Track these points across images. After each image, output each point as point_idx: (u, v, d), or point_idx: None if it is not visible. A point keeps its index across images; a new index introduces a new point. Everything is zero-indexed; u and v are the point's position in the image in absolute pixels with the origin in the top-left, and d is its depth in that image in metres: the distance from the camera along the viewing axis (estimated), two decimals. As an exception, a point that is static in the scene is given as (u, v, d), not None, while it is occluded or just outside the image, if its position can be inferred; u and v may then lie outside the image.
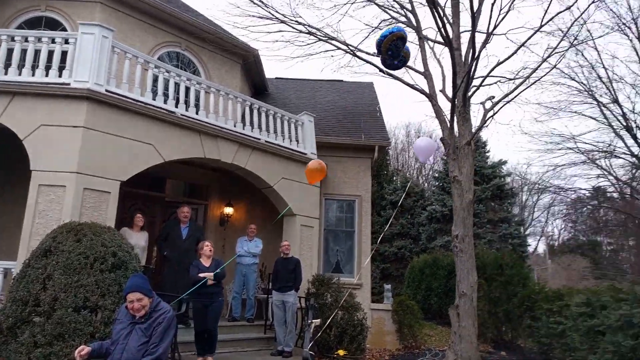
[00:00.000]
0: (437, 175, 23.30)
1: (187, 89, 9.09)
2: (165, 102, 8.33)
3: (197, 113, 8.77)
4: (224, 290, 8.47)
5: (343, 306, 9.06)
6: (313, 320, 7.95)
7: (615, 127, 16.51)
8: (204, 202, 11.24)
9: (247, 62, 12.85)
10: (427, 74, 10.69)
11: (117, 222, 7.35)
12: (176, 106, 8.47)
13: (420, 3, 11.17)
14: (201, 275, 6.77)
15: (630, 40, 15.76)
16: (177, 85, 8.94)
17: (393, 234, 20.37)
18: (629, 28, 15.51)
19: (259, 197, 10.65)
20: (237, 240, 9.79)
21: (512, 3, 10.15)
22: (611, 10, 15.17)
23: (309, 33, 10.33)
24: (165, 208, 10.63)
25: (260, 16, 10.22)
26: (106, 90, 7.30)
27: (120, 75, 8.02)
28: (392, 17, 11.57)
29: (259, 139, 9.71)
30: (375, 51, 8.14)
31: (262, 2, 10.04)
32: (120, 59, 8.14)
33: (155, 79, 8.58)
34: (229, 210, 11.24)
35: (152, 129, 7.78)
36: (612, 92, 16.19)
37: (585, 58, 16.19)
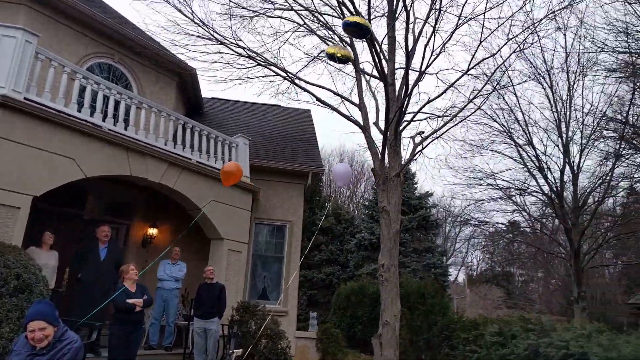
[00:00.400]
0: (367, 203, 23.88)
1: (117, 103, 8.72)
2: (91, 115, 7.92)
3: (125, 129, 8.41)
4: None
5: (267, 334, 8.89)
6: (234, 350, 7.71)
7: (529, 167, 17.88)
8: (126, 222, 10.68)
9: (184, 80, 12.60)
10: (362, 106, 11.05)
11: (28, 241, 6.78)
12: (104, 120, 8.08)
13: (357, 40, 11.61)
14: (130, 302, 6.34)
15: (544, 89, 17.32)
16: (106, 98, 8.54)
17: (322, 260, 20.48)
18: (544, 78, 17.08)
19: (186, 219, 10.30)
20: (159, 263, 9.36)
21: (443, 46, 10.85)
22: (529, 60, 16.60)
23: (249, 57, 10.36)
24: (84, 226, 9.96)
25: (200, 36, 10.11)
26: (25, 98, 6.82)
27: (43, 84, 7.52)
28: (331, 49, 11.89)
29: (190, 159, 9.47)
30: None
31: (202, 22, 9.96)
32: (44, 66, 7.65)
33: (82, 90, 8.15)
34: (153, 231, 10.75)
35: (75, 142, 7.34)
36: (528, 135, 17.61)
37: (506, 102, 17.47)
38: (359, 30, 5.73)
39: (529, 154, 17.68)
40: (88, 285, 7.79)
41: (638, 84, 13.43)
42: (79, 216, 9.95)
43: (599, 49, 11.97)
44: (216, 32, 10.04)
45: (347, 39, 11.65)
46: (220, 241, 9.87)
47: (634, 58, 11.27)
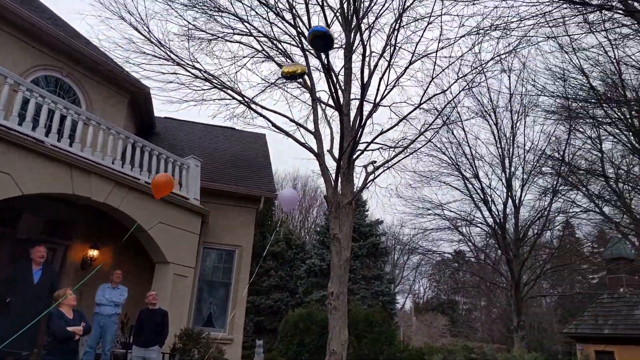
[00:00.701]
0: (318, 229, 23.93)
1: (63, 118, 8.36)
2: (33, 129, 7.54)
3: (70, 145, 8.06)
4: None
5: (210, 364, 8.59)
6: (176, 381, 7.38)
7: (475, 199, 18.62)
8: (64, 242, 10.10)
9: (136, 99, 12.28)
10: (317, 134, 11.20)
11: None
12: (47, 135, 7.71)
13: (316, 67, 11.86)
14: (70, 329, 5.93)
15: (490, 126, 18.27)
16: (51, 112, 8.17)
17: (271, 286, 20.19)
18: (490, 115, 18.03)
19: (130, 241, 9.89)
20: (99, 287, 8.89)
21: (397, 80, 11.26)
22: (477, 98, 17.51)
23: (205, 79, 10.30)
24: (16, 246, 9.31)
25: (156, 55, 9.98)
26: (-40, 109, 6.42)
27: (-19, 94, 7.12)
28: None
29: (139, 179, 9.18)
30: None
31: (159, 42, 9.84)
32: (-16, 76, 7.26)
33: (25, 103, 7.77)
34: (93, 252, 10.23)
35: (13, 157, 6.95)
36: (474, 168, 18.42)
37: (455, 136, 18.26)
38: (325, 40, 5.67)
39: (475, 186, 18.46)
40: (18, 310, 7.25)
41: (574, 126, 14.41)
42: (11, 235, 9.31)
43: (539, 92, 12.79)
44: (173, 53, 9.95)
45: (303, 62, 11.82)
46: (166, 265, 9.53)
47: (570, 102, 12.11)
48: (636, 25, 8.37)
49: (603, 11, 8.08)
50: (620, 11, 7.67)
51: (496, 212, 18.01)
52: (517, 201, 17.97)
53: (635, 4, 6.99)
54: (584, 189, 15.88)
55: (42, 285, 7.52)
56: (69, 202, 9.08)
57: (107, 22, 10.38)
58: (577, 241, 25.01)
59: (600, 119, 12.22)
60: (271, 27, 11.11)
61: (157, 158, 10.00)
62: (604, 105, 11.54)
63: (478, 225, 19.38)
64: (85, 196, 8.05)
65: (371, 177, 11.44)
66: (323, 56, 10.51)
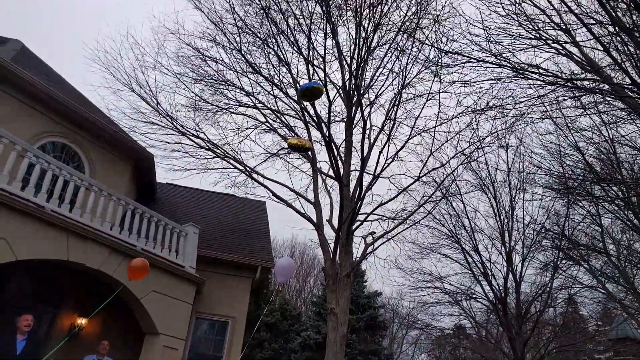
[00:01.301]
0: (315, 300, 23.32)
1: (66, 183, 8.44)
2: (35, 194, 7.58)
3: (70, 210, 8.07)
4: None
5: None
6: None
7: (475, 272, 18.30)
8: (52, 309, 9.78)
9: (139, 165, 12.45)
10: (317, 204, 11.24)
11: None
12: (48, 200, 7.74)
13: (317, 140, 12.14)
14: None
15: (489, 199, 18.36)
16: (55, 177, 8.27)
17: (263, 359, 19.33)
18: (488, 189, 18.18)
19: (121, 309, 9.61)
20: (84, 358, 8.51)
21: (397, 154, 11.49)
22: (475, 172, 17.74)
23: (209, 149, 10.53)
24: (3, 311, 9.02)
25: (162, 125, 10.26)
26: (-35, 173, 6.49)
27: (-12, 159, 7.23)
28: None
29: (136, 246, 9.08)
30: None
31: (167, 114, 10.17)
32: (-6, 141, 7.42)
33: (30, 167, 7.88)
34: (81, 320, 9.88)
35: (11, 222, 6.93)
36: (474, 241, 18.26)
37: (454, 208, 18.29)
38: (316, 95, 5.75)
39: (474, 259, 18.20)
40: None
41: (572, 202, 14.49)
42: None
43: (536, 168, 13.00)
44: (179, 124, 10.23)
45: (306, 138, 12.13)
46: (156, 336, 9.18)
47: (566, 179, 12.27)
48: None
49: (594, 95, 8.42)
50: (611, 96, 7.99)
51: (497, 287, 17.62)
52: (518, 276, 17.63)
53: (627, 90, 7.29)
54: (585, 264, 15.66)
55: (26, 356, 7.19)
56: (60, 266, 8.91)
57: (118, 94, 10.79)
58: (581, 319, 24.26)
59: (598, 197, 12.31)
60: (275, 101, 11.53)
61: (155, 225, 9.96)
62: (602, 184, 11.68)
63: (479, 299, 18.91)
64: (79, 262, 7.93)
65: (370, 248, 11.33)
66: (325, 129, 10.83)
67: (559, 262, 16.52)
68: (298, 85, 11.02)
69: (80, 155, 10.85)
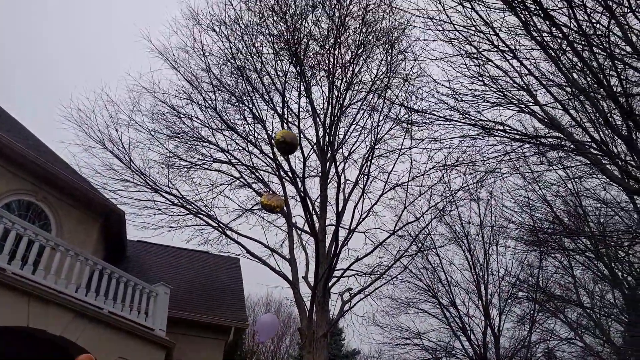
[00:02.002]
0: (292, 360, 22.41)
1: (30, 243, 8.09)
2: (-4, 256, 7.23)
3: (33, 272, 7.69)
4: None
5: None
6: None
7: (453, 327, 18.04)
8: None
9: (109, 222, 12.11)
10: (292, 261, 11.06)
11: None
12: (9, 262, 7.37)
13: (292, 195, 12.14)
14: None
15: (463, 252, 18.46)
16: (19, 237, 7.93)
17: None
18: (462, 242, 18.32)
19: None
20: None
21: (371, 208, 11.57)
22: (449, 225, 17.92)
23: (181, 206, 10.38)
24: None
25: (134, 182, 10.12)
26: None
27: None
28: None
29: (102, 309, 8.64)
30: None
31: (140, 170, 10.07)
32: (-46, 201, 7.14)
33: (-8, 228, 7.55)
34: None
35: (-32, 286, 6.54)
36: (451, 295, 18.14)
37: (429, 262, 18.27)
38: (290, 148, 5.74)
39: (452, 314, 18.01)
40: None
41: (544, 254, 14.71)
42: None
43: (507, 221, 13.26)
44: (151, 181, 10.12)
45: (281, 193, 12.15)
46: (119, 408, 8.55)
47: (536, 232, 12.52)
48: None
49: (558, 151, 8.80)
50: (574, 152, 8.36)
51: (476, 342, 17.35)
52: (496, 330, 17.45)
53: (587, 147, 7.65)
54: (561, 316, 15.69)
55: None
56: (24, 335, 8.36)
57: (90, 151, 10.68)
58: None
59: (568, 249, 12.55)
60: (250, 157, 11.61)
61: (124, 285, 9.56)
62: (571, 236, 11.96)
63: (458, 356, 18.53)
64: (40, 329, 7.46)
65: (347, 305, 11.12)
66: (299, 184, 10.88)
67: (535, 315, 16.50)
68: (273, 138, 11.16)
69: (47, 213, 10.50)
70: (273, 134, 11.66)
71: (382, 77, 10.87)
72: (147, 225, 11.39)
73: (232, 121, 11.43)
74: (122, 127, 10.94)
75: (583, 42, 6.39)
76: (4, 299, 6.99)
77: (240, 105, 11.58)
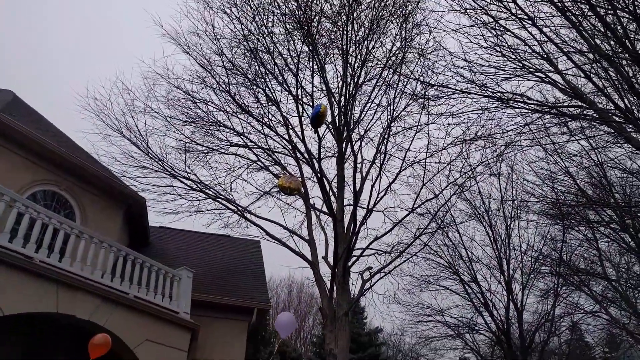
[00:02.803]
0: (314, 340, 22.76)
1: (56, 232, 8.28)
2: (24, 245, 7.41)
3: (59, 260, 7.88)
4: None
5: None
6: None
7: (476, 303, 18.00)
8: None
9: (131, 209, 12.31)
10: (311, 242, 11.09)
11: None
12: (37, 251, 7.56)
13: (309, 177, 12.12)
14: None
15: (484, 227, 18.26)
16: (44, 226, 8.11)
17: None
18: (483, 217, 18.11)
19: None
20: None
21: (389, 187, 11.47)
22: (469, 201, 17.71)
23: (200, 190, 10.46)
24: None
25: (153, 168, 10.23)
26: (-49, 227, 6.35)
27: (-26, 211, 7.11)
28: (283, 185, 12.27)
29: (127, 294, 8.84)
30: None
31: (157, 156, 10.15)
32: (-19, 193, 7.31)
33: (19, 217, 7.74)
34: (74, 375, 9.48)
35: (-1, 275, 6.74)
36: (472, 271, 18.04)
37: (450, 238, 18.15)
38: (324, 117, 5.64)
39: (474, 290, 17.94)
40: None
41: (568, 226, 14.44)
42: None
43: (529, 195, 13.02)
44: (170, 166, 10.21)
45: (298, 175, 12.14)
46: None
47: (559, 205, 12.26)
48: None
49: (580, 120, 8.53)
50: (597, 121, 8.11)
51: (498, 318, 17.29)
52: (519, 305, 17.34)
53: (611, 115, 7.40)
54: (586, 289, 15.46)
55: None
56: (52, 321, 8.61)
57: (109, 139, 10.79)
58: (587, 346, 23.76)
59: (593, 221, 12.29)
60: (266, 139, 11.59)
61: (148, 270, 9.75)
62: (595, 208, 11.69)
63: (481, 332, 18.51)
64: (69, 314, 7.67)
65: (368, 284, 11.14)
66: (316, 165, 10.85)
67: (559, 289, 16.33)
68: (288, 120, 11.10)
69: (71, 202, 10.71)
70: (288, 115, 11.61)
71: (396, 52, 10.66)
72: (167, 211, 11.56)
73: (246, 104, 11.42)
74: (138, 114, 11.04)
75: (607, 6, 6.13)
76: (34, 286, 7.20)
77: (254, 87, 11.53)
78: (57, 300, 7.48)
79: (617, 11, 6.04)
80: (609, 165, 11.36)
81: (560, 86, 8.04)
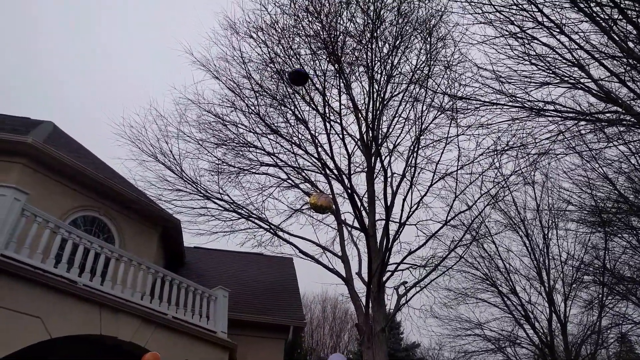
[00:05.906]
0: (350, 357, 22.49)
1: (97, 256, 8.58)
2: (68, 270, 7.71)
3: (102, 283, 8.15)
4: None
5: None
6: None
7: (516, 316, 17.47)
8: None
9: (167, 231, 12.63)
10: (344, 258, 11.08)
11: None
12: (80, 275, 7.85)
13: (339, 192, 12.16)
14: None
15: (521, 237, 17.79)
16: (86, 251, 8.43)
17: None
18: (519, 227, 17.65)
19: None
20: None
21: (421, 200, 11.36)
22: (504, 211, 17.33)
23: (233, 211, 10.64)
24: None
25: (187, 191, 10.49)
26: (2, 255, 6.68)
27: (23, 239, 7.46)
28: (314, 202, 12.35)
29: (166, 315, 9.03)
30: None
31: (191, 179, 10.43)
32: (28, 222, 7.67)
33: (62, 243, 8.07)
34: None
35: (45, 299, 7.02)
36: (511, 283, 17.55)
37: (485, 250, 17.76)
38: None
39: (513, 302, 17.43)
40: None
41: (610, 233, 13.90)
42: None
43: (566, 203, 12.65)
44: (202, 188, 10.46)
45: (329, 192, 12.19)
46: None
47: (599, 212, 11.87)
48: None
49: (617, 125, 8.28)
50: (636, 125, 7.85)
51: (541, 330, 16.71)
52: (562, 317, 16.71)
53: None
54: (634, 298, 14.78)
55: None
56: (94, 343, 8.88)
57: (144, 165, 11.14)
58: (638, 358, 22.58)
59: (637, 228, 11.81)
60: (295, 158, 11.73)
61: (185, 291, 9.94)
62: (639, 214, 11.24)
63: (523, 345, 17.90)
64: (111, 335, 7.90)
65: (403, 299, 11.01)
66: (346, 181, 10.88)
67: (604, 299, 15.67)
68: (316, 138, 11.20)
69: (110, 226, 11.08)
70: (316, 133, 11.72)
71: (422, 66, 10.66)
72: (202, 232, 11.80)
73: (275, 125, 11.62)
74: (171, 139, 11.40)
75: (637, 9, 6.00)
76: (78, 309, 7.45)
77: (282, 108, 11.72)
78: (100, 322, 7.72)
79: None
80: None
81: (594, 92, 7.84)
